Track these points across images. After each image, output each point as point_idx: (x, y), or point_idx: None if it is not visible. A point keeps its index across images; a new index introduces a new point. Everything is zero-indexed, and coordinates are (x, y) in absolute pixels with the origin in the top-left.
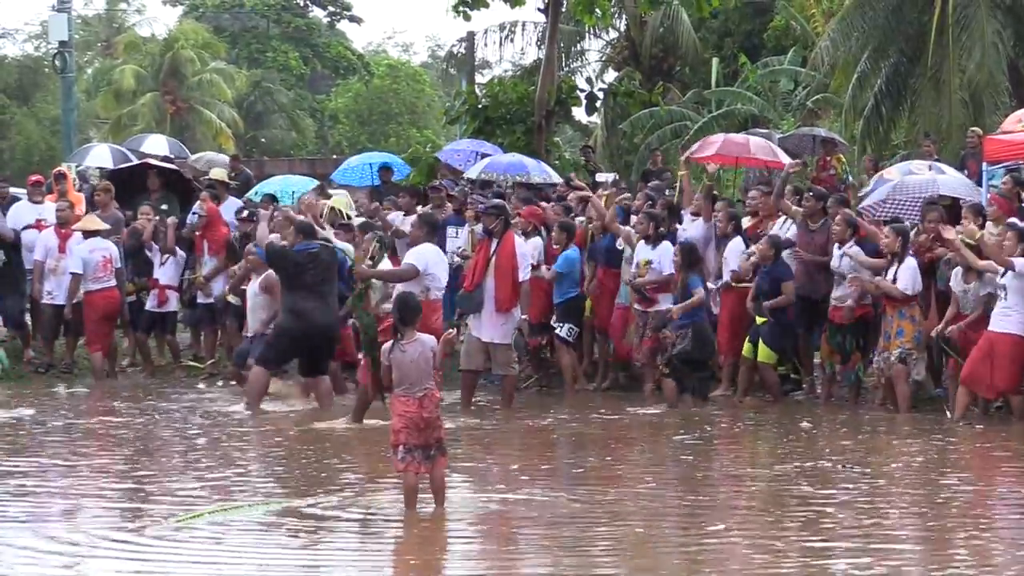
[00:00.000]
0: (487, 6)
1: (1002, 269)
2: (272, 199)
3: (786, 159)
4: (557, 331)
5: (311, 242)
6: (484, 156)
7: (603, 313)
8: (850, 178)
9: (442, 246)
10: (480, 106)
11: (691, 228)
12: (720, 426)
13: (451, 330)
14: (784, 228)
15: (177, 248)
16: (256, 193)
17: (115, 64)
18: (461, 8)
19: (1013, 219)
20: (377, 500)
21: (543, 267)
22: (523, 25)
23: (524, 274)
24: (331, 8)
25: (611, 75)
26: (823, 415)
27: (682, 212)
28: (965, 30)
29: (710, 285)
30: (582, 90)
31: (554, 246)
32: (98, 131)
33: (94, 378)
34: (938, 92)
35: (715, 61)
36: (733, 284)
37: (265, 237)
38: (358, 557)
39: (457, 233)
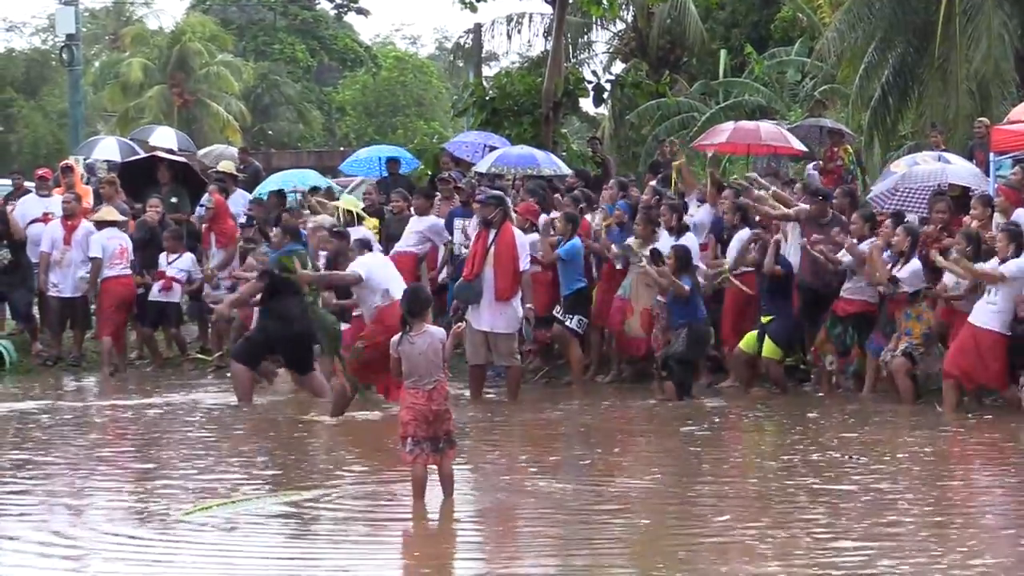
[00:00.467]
0: None
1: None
2: (279, 195)
3: (798, 145)
4: (567, 323)
5: (296, 244)
6: (492, 149)
7: (604, 307)
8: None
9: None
10: (487, 98)
11: (698, 213)
12: (729, 417)
13: (459, 323)
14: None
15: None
16: (261, 193)
17: (122, 57)
18: (468, 0)
19: (1019, 210)
20: (384, 491)
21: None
22: (530, 17)
23: (524, 264)
24: (338, 0)
25: (618, 66)
26: (831, 405)
27: (686, 200)
28: (972, 21)
29: (703, 267)
30: (589, 82)
31: (558, 237)
32: (105, 124)
33: (103, 363)
34: (945, 82)
35: (722, 52)
36: (731, 278)
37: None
38: (366, 549)
39: (464, 225)
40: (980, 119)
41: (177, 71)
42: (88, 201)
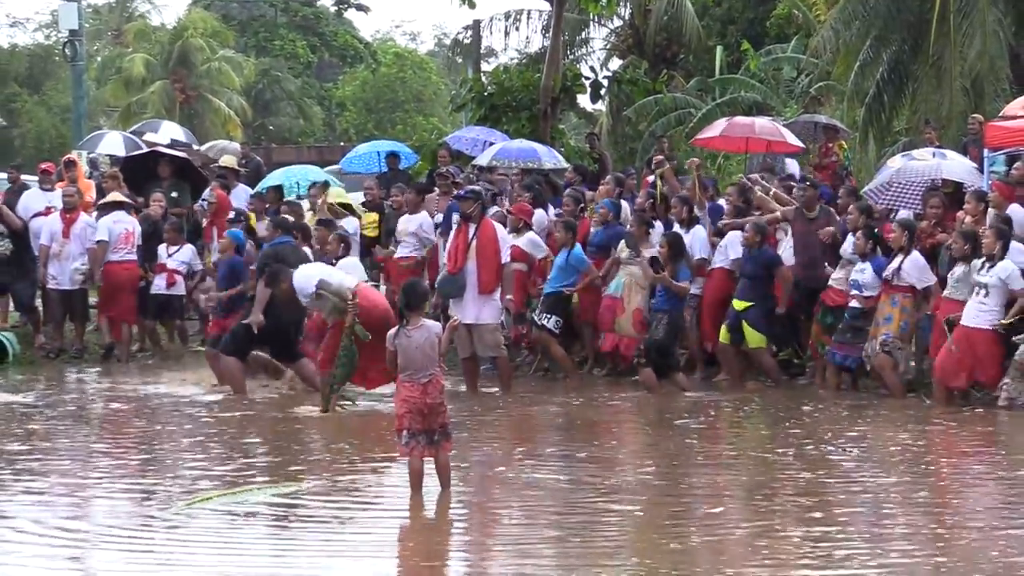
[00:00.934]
0: None
1: (986, 266)
2: (278, 191)
3: (794, 140)
4: (544, 323)
5: (286, 238)
6: (491, 144)
7: (587, 306)
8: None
9: (448, 231)
10: (486, 94)
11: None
12: (724, 410)
13: (455, 319)
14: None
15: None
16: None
17: (125, 52)
18: None
19: (1013, 205)
20: (380, 483)
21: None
22: (528, 13)
23: (505, 256)
24: None
25: (615, 63)
26: (824, 398)
27: (671, 202)
28: (966, 18)
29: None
30: (587, 78)
31: (558, 245)
32: (108, 119)
33: (105, 337)
34: (939, 79)
35: (718, 49)
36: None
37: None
38: (364, 539)
39: None
40: (974, 115)
41: (179, 67)
42: (91, 196)
